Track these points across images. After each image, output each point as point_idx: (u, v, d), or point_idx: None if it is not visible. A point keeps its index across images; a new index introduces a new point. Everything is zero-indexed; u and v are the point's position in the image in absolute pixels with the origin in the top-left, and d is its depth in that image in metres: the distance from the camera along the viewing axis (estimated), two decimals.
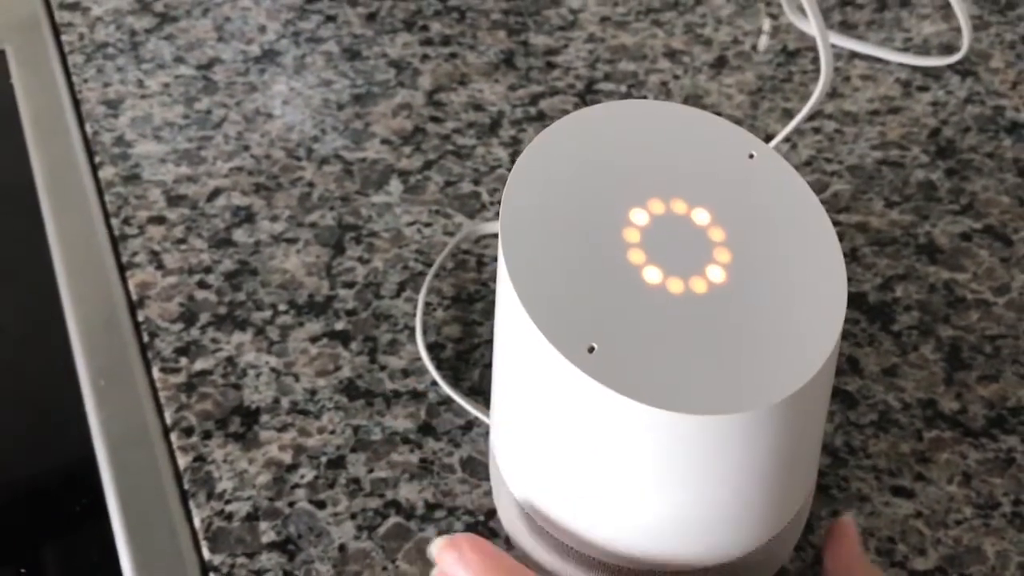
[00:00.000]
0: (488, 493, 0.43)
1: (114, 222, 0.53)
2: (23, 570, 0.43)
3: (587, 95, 0.60)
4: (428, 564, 0.41)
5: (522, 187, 0.32)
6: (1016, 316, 0.49)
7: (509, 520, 0.37)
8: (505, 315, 0.32)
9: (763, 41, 0.62)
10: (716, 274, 0.31)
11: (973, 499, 0.42)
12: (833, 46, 0.62)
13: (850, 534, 0.38)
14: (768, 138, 0.57)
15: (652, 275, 0.31)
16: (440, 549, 0.34)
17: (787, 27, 0.64)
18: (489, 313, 0.49)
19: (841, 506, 0.42)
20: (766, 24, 0.64)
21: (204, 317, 0.49)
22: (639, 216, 0.31)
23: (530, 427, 0.34)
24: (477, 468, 0.44)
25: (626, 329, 0.30)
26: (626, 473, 0.31)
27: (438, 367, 0.47)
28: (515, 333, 0.32)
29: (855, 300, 0.49)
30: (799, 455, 0.33)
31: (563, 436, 0.32)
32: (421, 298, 0.49)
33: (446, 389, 0.46)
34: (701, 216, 0.32)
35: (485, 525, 0.42)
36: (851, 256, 0.51)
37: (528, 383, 0.32)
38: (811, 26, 0.61)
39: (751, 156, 0.33)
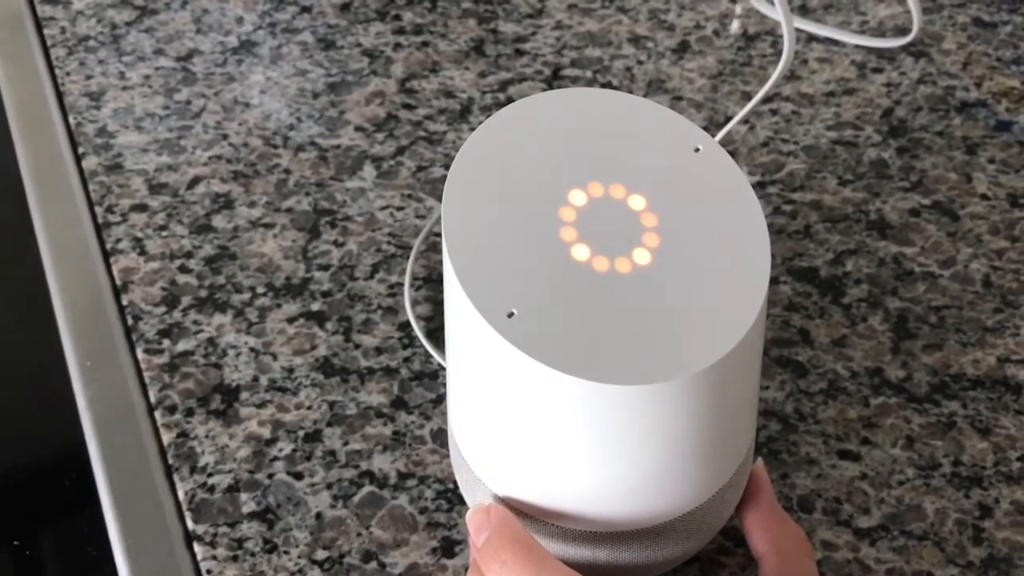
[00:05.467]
0: None
1: (98, 210, 0.56)
2: (16, 542, 0.45)
3: (554, 81, 0.62)
4: (400, 529, 0.43)
5: (469, 163, 0.34)
6: (960, 288, 0.51)
7: (464, 482, 0.40)
8: (445, 282, 0.34)
9: (735, 25, 0.64)
10: (642, 256, 0.33)
11: (915, 461, 0.45)
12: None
13: (763, 488, 0.39)
14: (726, 120, 0.59)
15: (580, 252, 0.33)
16: (471, 513, 0.36)
17: (747, 12, 0.66)
18: None
19: (790, 469, 0.45)
20: (737, 8, 0.66)
21: (186, 300, 0.51)
22: (577, 197, 0.33)
23: (467, 394, 0.36)
24: (447, 439, 0.46)
25: (547, 300, 0.32)
26: (544, 438, 0.33)
27: (410, 344, 0.49)
28: (450, 298, 0.34)
29: (807, 274, 0.52)
30: (728, 420, 0.35)
31: (490, 401, 0.34)
32: (408, 275, 0.51)
33: (427, 346, 0.48)
34: (637, 202, 0.34)
35: (454, 492, 0.44)
36: (804, 232, 0.54)
37: (460, 348, 0.35)
38: (774, 10, 0.63)
39: (697, 150, 0.35)
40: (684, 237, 0.33)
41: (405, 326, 0.50)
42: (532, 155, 0.34)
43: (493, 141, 0.35)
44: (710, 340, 0.32)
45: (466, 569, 0.42)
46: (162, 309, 0.51)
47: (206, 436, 0.46)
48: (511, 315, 0.31)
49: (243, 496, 0.44)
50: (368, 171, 0.57)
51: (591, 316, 0.32)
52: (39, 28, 0.66)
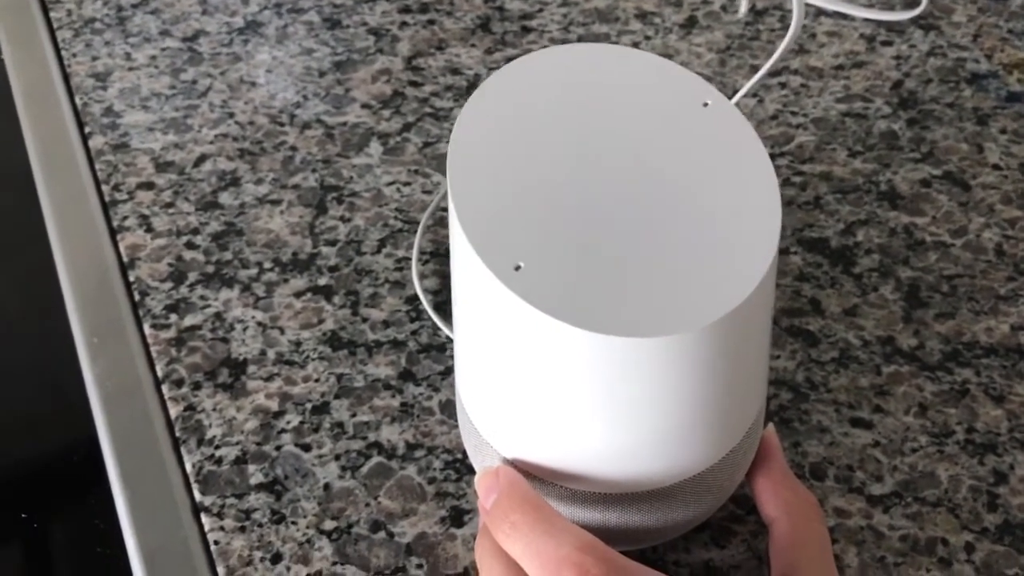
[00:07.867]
0: None
1: (105, 188, 0.55)
2: (25, 515, 0.45)
3: None
4: (408, 499, 0.43)
5: (475, 117, 0.34)
6: (972, 257, 0.51)
7: (472, 447, 0.39)
8: (452, 238, 0.34)
9: (743, 5, 0.64)
10: (651, 210, 0.32)
11: (928, 428, 0.44)
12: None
13: (774, 453, 0.39)
14: (735, 93, 0.59)
15: (587, 205, 0.32)
16: (480, 476, 0.36)
17: None
18: None
19: (802, 437, 0.44)
20: None
21: (192, 276, 0.51)
22: (584, 148, 0.33)
23: (474, 354, 0.35)
24: (455, 410, 0.46)
25: (555, 253, 0.31)
26: (552, 394, 0.33)
27: (418, 317, 0.49)
28: (457, 254, 0.33)
29: (818, 245, 0.51)
30: (738, 378, 0.34)
31: (498, 359, 0.34)
32: (415, 249, 0.51)
33: (435, 318, 0.48)
34: (645, 155, 0.33)
35: (463, 463, 0.44)
36: (815, 204, 0.53)
37: (467, 306, 0.34)
38: None
39: (705, 104, 0.35)
40: (694, 190, 0.33)
41: (412, 299, 0.50)
42: (539, 108, 0.34)
43: (499, 95, 0.34)
44: (721, 293, 0.31)
45: (475, 537, 0.42)
46: (169, 285, 0.51)
47: (213, 409, 0.46)
48: (518, 268, 0.31)
49: (251, 468, 0.44)
50: (375, 147, 0.57)
51: (599, 269, 0.31)
52: (45, 10, 0.66)
